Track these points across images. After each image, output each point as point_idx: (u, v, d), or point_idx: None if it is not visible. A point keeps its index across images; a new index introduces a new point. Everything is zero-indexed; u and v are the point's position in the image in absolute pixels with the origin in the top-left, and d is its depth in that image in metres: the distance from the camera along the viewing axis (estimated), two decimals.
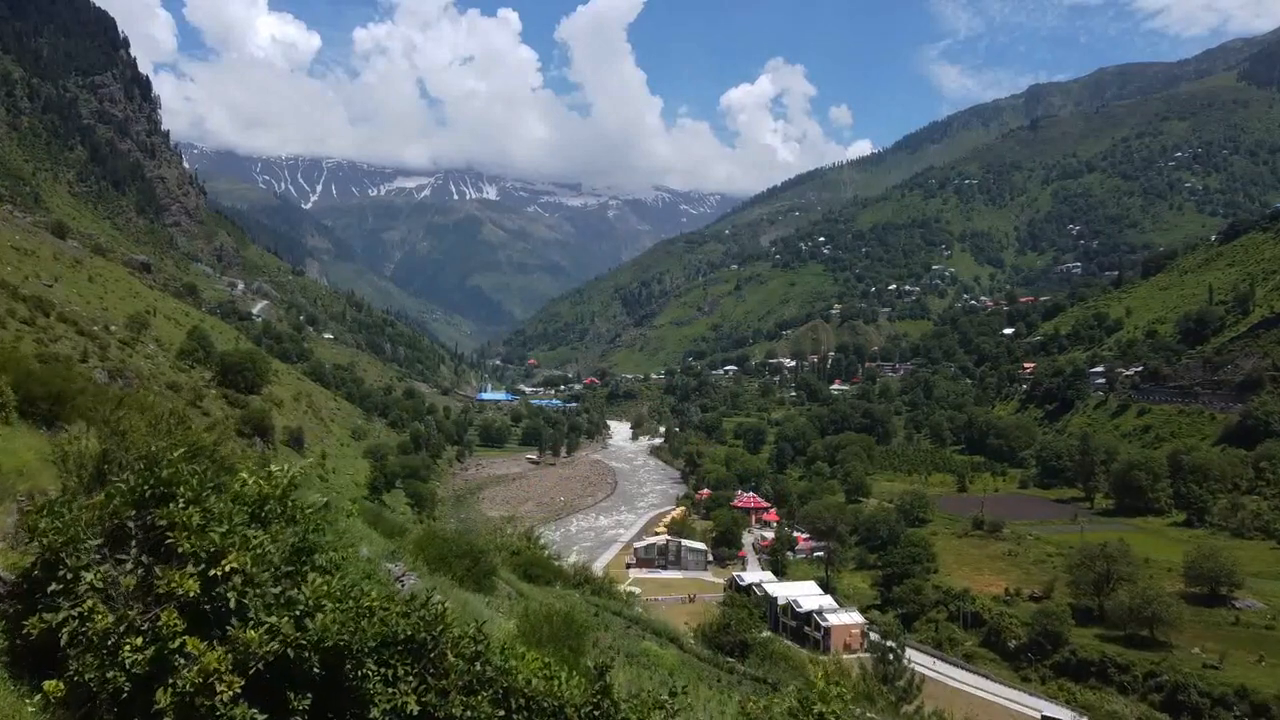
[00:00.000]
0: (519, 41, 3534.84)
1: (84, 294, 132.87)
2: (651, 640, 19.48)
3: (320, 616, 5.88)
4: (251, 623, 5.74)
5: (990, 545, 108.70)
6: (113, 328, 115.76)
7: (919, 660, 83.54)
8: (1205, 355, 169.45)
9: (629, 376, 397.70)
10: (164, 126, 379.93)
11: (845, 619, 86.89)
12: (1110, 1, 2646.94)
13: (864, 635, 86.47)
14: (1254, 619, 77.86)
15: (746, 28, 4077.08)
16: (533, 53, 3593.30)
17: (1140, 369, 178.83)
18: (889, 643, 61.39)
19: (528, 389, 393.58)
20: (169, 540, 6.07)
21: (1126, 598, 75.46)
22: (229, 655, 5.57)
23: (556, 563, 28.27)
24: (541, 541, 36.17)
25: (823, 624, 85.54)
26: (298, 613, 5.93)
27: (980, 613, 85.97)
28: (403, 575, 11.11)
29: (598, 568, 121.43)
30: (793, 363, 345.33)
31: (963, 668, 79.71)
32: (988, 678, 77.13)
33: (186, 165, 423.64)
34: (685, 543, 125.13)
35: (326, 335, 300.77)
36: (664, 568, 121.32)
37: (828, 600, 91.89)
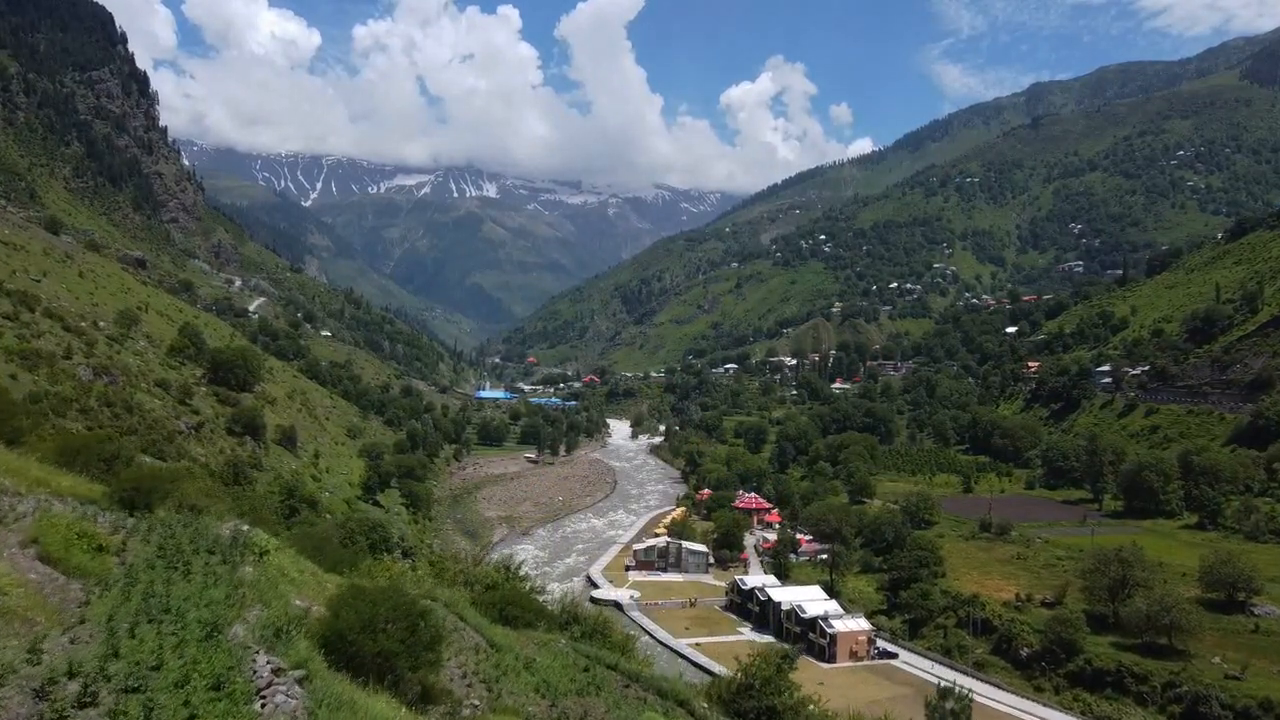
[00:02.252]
0: (519, 39, 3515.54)
1: (74, 289, 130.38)
2: (655, 704, 16.67)
3: None
4: None
5: (998, 548, 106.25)
6: (101, 324, 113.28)
7: (923, 666, 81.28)
8: (1213, 354, 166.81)
9: (629, 375, 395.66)
10: (162, 123, 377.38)
11: (851, 625, 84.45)
12: (1113, 1, 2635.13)
13: (870, 642, 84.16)
14: (1274, 627, 75.29)
15: (747, 26, 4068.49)
16: (533, 50, 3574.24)
17: (1147, 368, 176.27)
18: (949, 704, 52.97)
19: (527, 387, 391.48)
20: None
21: (1143, 604, 72.80)
22: None
23: (540, 597, 24.83)
24: (523, 572, 33.00)
25: (828, 630, 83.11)
26: None
27: (990, 619, 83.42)
28: (269, 686, 8.19)
29: (596, 570, 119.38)
30: (793, 361, 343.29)
31: (973, 676, 77.09)
32: (999, 687, 74.67)
33: (186, 162, 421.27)
34: (686, 545, 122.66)
35: (324, 332, 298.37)
36: (664, 570, 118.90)
37: (833, 605, 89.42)
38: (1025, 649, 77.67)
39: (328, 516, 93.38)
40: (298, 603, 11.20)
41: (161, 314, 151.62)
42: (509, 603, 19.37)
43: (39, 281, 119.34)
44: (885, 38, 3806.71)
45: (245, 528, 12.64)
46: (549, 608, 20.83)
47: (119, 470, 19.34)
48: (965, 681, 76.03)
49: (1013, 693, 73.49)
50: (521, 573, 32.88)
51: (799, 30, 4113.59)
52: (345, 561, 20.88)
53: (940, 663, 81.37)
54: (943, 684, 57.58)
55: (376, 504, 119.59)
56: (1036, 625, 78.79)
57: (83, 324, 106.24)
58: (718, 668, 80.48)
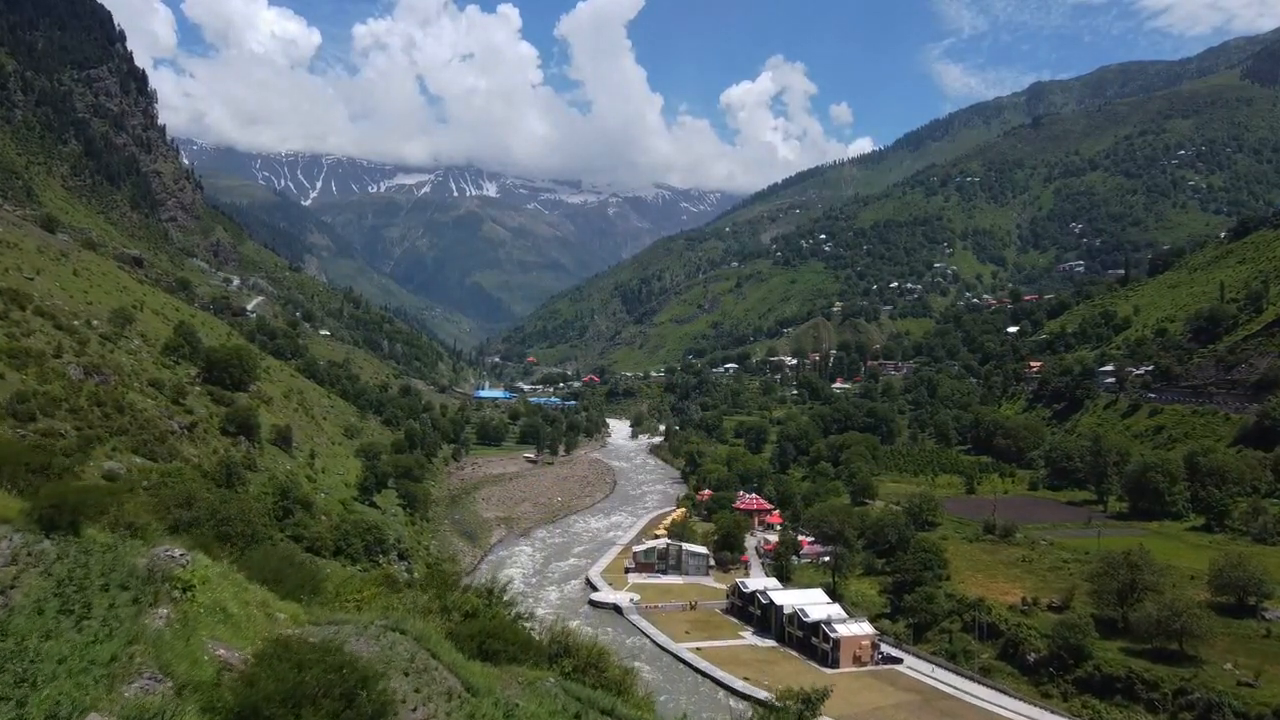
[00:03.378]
0: (519, 38, 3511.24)
1: (68, 288, 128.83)
2: None
3: None
4: None
5: (1003, 550, 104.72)
6: (95, 322, 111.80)
7: (928, 671, 79.90)
8: (1218, 354, 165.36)
9: (629, 374, 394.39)
10: (161, 121, 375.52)
11: (855, 629, 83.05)
12: (1114, 1, 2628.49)
13: (874, 647, 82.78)
14: None
15: (747, 25, 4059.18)
16: (533, 49, 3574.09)
17: (1151, 368, 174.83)
18: None
19: (526, 386, 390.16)
20: None
21: (1153, 609, 71.33)
22: None
23: (527, 625, 22.81)
24: (507, 596, 31.02)
25: (831, 635, 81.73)
26: None
27: (996, 623, 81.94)
28: None
29: (595, 572, 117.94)
30: (794, 361, 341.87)
31: (979, 682, 75.86)
32: (1006, 693, 73.29)
33: (185, 161, 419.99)
34: (686, 546, 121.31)
35: (323, 331, 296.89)
36: (664, 572, 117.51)
37: (836, 609, 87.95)
38: (1032, 654, 76.21)
39: (323, 518, 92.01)
40: (220, 653, 9.40)
41: (157, 313, 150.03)
42: (490, 635, 17.54)
43: (32, 280, 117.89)
44: (886, 37, 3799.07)
45: (177, 553, 10.80)
46: (537, 637, 18.95)
47: (39, 485, 17.44)
48: (971, 687, 74.80)
49: (1020, 699, 72.11)
50: (506, 597, 31.06)
51: (799, 30, 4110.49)
52: (307, 584, 18.98)
53: (946, 668, 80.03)
54: None
55: (373, 505, 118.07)
56: (1043, 630, 77.29)
57: (75, 322, 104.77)
58: (719, 673, 79.15)
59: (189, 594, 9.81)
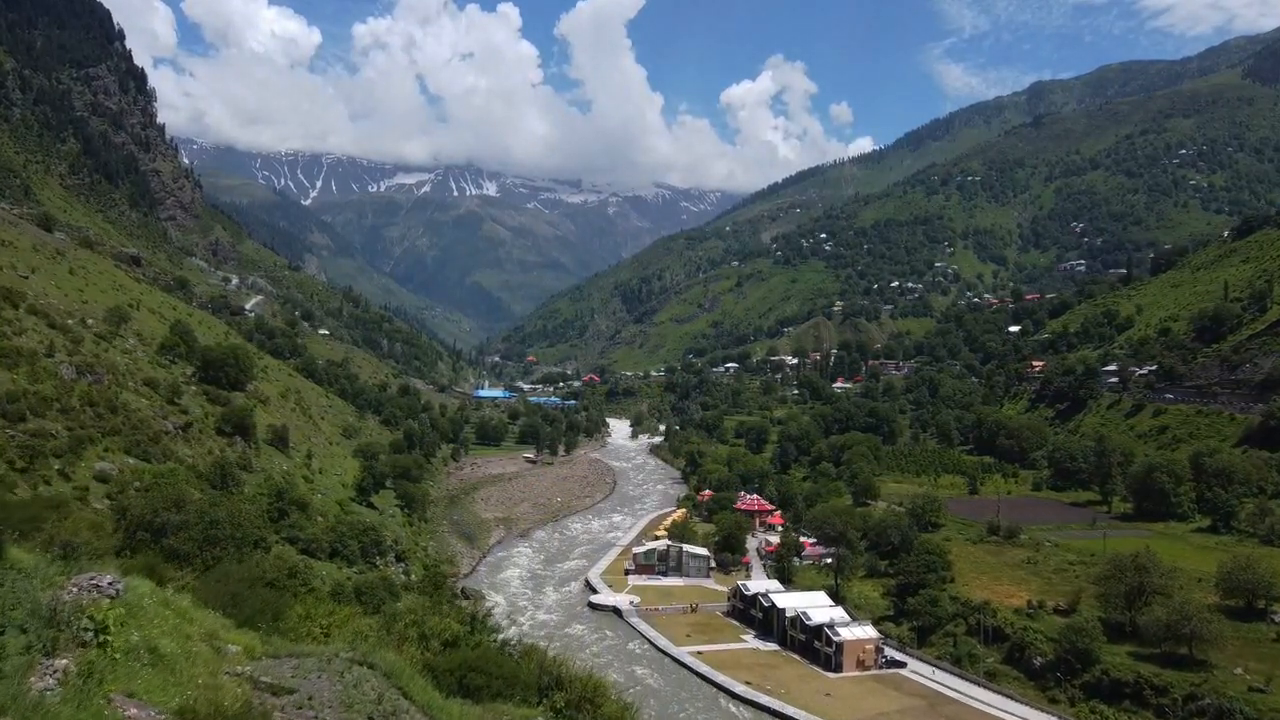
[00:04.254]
0: (519, 37, 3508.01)
1: (63, 286, 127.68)
2: None
3: None
4: None
5: (1007, 552, 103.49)
6: (89, 321, 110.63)
7: (933, 675, 78.79)
8: (1222, 354, 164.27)
9: (629, 374, 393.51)
10: (160, 120, 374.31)
11: (858, 633, 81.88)
12: (1115, 0, 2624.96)
13: (878, 650, 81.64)
14: None
15: (747, 24, 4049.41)
16: (533, 49, 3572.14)
17: (1154, 368, 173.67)
18: None
19: (526, 386, 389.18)
20: None
21: (1162, 612, 70.14)
22: None
23: (512, 654, 21.24)
24: (491, 621, 29.66)
25: (834, 639, 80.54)
26: None
27: (1001, 626, 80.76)
28: None
29: (595, 574, 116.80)
30: (794, 360, 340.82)
31: (985, 687, 74.69)
32: (1012, 698, 72.12)
33: (185, 159, 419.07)
34: (686, 548, 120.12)
35: (322, 331, 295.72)
36: (664, 574, 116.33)
37: (839, 612, 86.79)
38: (1038, 658, 75.03)
39: (319, 519, 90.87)
40: (131, 713, 7.88)
41: (154, 312, 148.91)
42: (472, 668, 16.09)
43: (27, 278, 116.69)
44: (886, 37, 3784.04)
45: (105, 581, 8.82)
46: (524, 668, 17.49)
47: None
48: (976, 692, 73.62)
49: (1026, 704, 70.93)
50: (490, 623, 29.73)
51: (799, 30, 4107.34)
52: (268, 609, 17.60)
53: (950, 672, 78.88)
54: None
55: (371, 506, 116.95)
56: (1050, 633, 76.13)
57: (69, 321, 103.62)
58: (720, 677, 78.01)
59: (101, 637, 8.19)
